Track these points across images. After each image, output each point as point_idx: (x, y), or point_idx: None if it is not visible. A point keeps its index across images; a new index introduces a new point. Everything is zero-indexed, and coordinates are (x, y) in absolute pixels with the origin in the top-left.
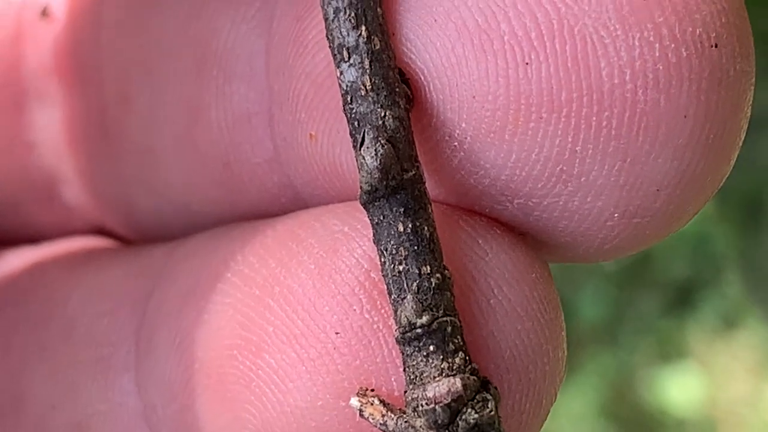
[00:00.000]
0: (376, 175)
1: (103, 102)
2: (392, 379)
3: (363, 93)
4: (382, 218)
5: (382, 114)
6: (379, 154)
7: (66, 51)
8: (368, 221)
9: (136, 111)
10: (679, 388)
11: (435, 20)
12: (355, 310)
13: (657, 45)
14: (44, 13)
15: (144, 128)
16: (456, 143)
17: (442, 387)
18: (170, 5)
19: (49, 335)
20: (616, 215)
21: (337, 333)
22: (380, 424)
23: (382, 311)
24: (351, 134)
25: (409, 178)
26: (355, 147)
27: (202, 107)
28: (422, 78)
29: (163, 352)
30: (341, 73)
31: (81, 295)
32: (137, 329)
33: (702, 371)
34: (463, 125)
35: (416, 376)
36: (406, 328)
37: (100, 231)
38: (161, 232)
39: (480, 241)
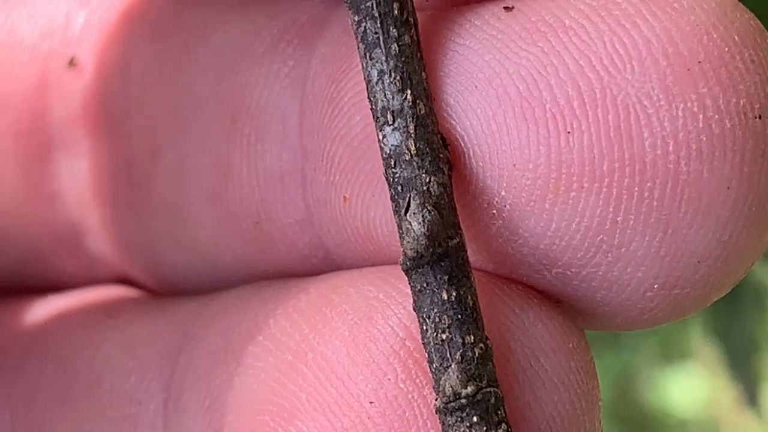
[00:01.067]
0: (423, 242)
1: (130, 154)
2: None
3: (407, 158)
4: (425, 285)
5: (427, 180)
6: (426, 221)
7: (93, 102)
8: (404, 288)
9: (165, 165)
10: (681, 389)
11: (476, 86)
12: (389, 379)
13: (701, 116)
14: (72, 63)
15: (172, 183)
16: (495, 211)
17: None
18: (202, 60)
19: (74, 390)
20: (655, 286)
21: (371, 402)
22: None
23: (417, 381)
24: (392, 199)
25: (454, 245)
26: (396, 212)
27: (233, 165)
28: (462, 144)
29: (192, 413)
30: (384, 136)
31: (108, 349)
32: (165, 387)
33: (705, 372)
34: (503, 193)
35: None
36: (450, 398)
37: (126, 281)
38: (189, 286)
39: (517, 310)
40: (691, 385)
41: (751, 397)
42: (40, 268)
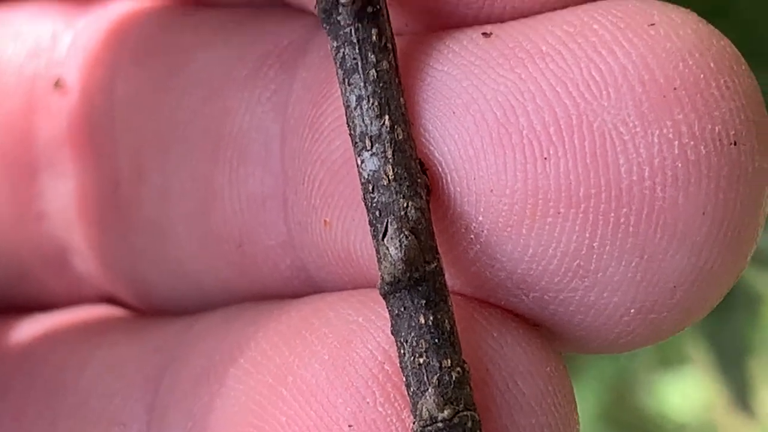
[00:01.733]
0: (400, 267)
1: (116, 175)
2: None
3: (385, 183)
4: (402, 310)
5: (405, 204)
6: (403, 246)
7: (79, 123)
8: (383, 312)
9: (150, 186)
10: (679, 394)
11: (453, 112)
12: (368, 403)
13: (676, 142)
14: (57, 84)
15: (157, 204)
16: (473, 235)
17: None
18: (185, 83)
19: (61, 410)
20: (632, 311)
21: (350, 426)
22: None
23: (396, 405)
24: (371, 223)
25: (431, 270)
26: (374, 237)
27: (216, 187)
28: (440, 169)
29: None
30: (362, 161)
31: (93, 370)
32: (149, 409)
33: (702, 376)
34: (480, 218)
35: None
36: (427, 422)
37: (112, 300)
38: (173, 306)
39: (495, 334)
40: (688, 389)
41: (743, 402)
42: (27, 288)
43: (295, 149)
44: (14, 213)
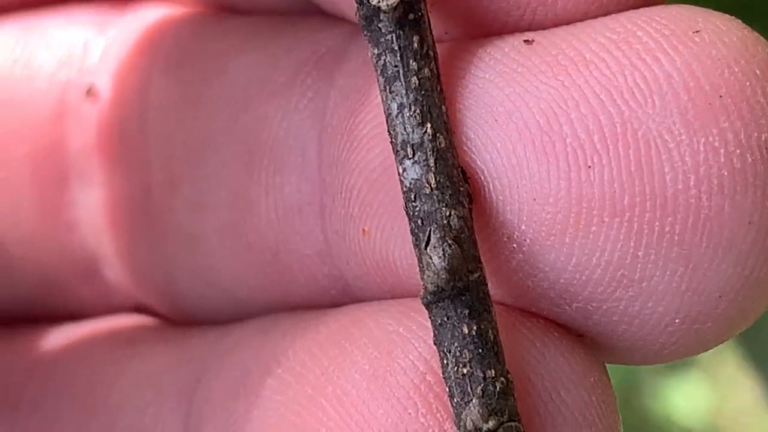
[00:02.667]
0: (444, 276)
1: (147, 185)
2: None
3: (428, 191)
4: (446, 320)
5: (447, 213)
6: (446, 255)
7: (111, 131)
8: (424, 322)
9: (183, 196)
10: (684, 397)
11: (496, 120)
12: (410, 413)
13: (722, 150)
14: (89, 92)
15: (190, 214)
16: (515, 245)
17: None
18: (220, 91)
19: (93, 424)
20: (676, 321)
21: None
22: None
23: (438, 416)
24: (413, 232)
25: (475, 279)
26: (416, 246)
27: (251, 196)
28: (482, 178)
29: None
30: (404, 170)
31: (125, 383)
32: (184, 421)
33: (708, 381)
34: (523, 227)
35: None
36: None
37: (143, 310)
38: (205, 316)
39: (538, 344)
40: (694, 393)
41: None
42: (57, 297)
43: (333, 157)
44: (44, 222)
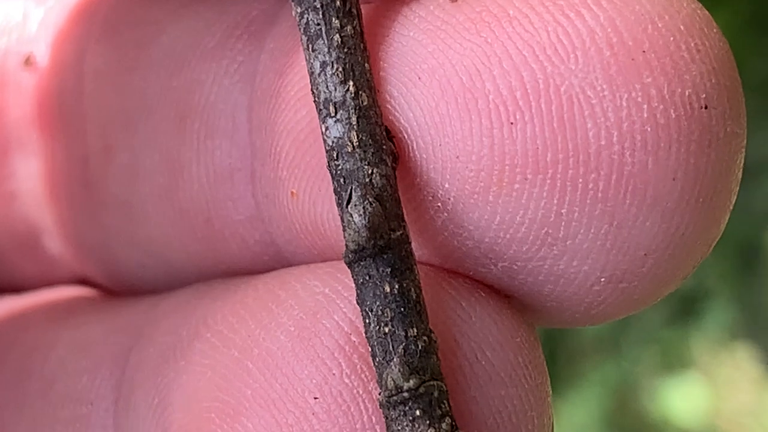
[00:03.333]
0: (364, 234)
1: (85, 153)
2: None
3: (350, 149)
4: (367, 278)
5: (370, 171)
6: (367, 212)
7: (49, 101)
8: (349, 283)
9: (118, 163)
10: (682, 399)
11: (419, 78)
12: (334, 374)
13: (645, 106)
14: (27, 61)
15: (125, 181)
16: (439, 204)
17: None
18: (153, 57)
19: (28, 391)
20: (602, 279)
21: (315, 398)
22: None
23: (362, 376)
24: (336, 191)
25: (397, 237)
26: (339, 204)
27: (184, 162)
28: (406, 136)
29: (142, 413)
30: (327, 128)
31: (61, 350)
32: (117, 387)
33: (706, 381)
34: (447, 186)
35: None
36: (392, 392)
37: (84, 281)
38: (144, 285)
39: (464, 304)
40: (691, 394)
41: None
42: None
43: (262, 120)
44: None
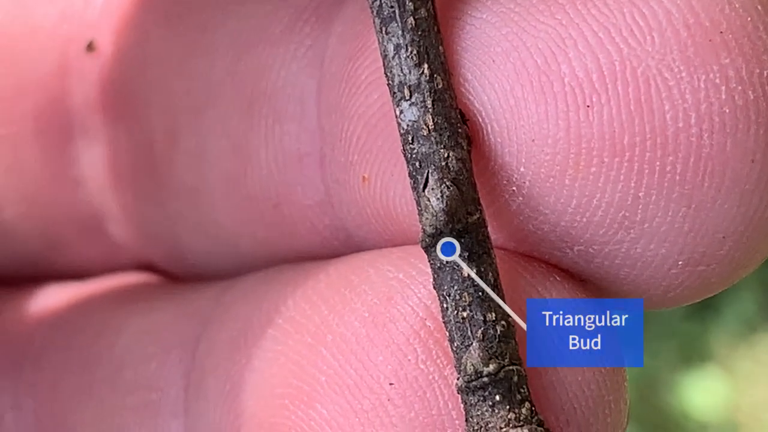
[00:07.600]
0: (442, 218)
1: (149, 139)
2: None
3: (425, 133)
4: (445, 263)
5: (446, 155)
6: (444, 196)
7: (112, 86)
8: (423, 267)
9: (184, 149)
10: (701, 392)
11: (493, 60)
12: (410, 360)
13: (723, 87)
14: (90, 46)
15: (192, 167)
16: (515, 187)
17: None
18: (219, 42)
19: (96, 378)
20: (680, 263)
21: (391, 384)
22: None
23: (438, 361)
24: (410, 175)
25: (474, 221)
26: (415, 189)
27: (252, 147)
28: (480, 119)
29: (213, 399)
30: (401, 112)
31: (129, 336)
32: (186, 374)
33: (725, 375)
34: (522, 169)
35: (480, 427)
36: (472, 377)
37: (148, 267)
38: (210, 271)
39: (539, 289)
40: (711, 388)
41: None
42: (62, 256)
43: (332, 105)
44: (49, 179)
